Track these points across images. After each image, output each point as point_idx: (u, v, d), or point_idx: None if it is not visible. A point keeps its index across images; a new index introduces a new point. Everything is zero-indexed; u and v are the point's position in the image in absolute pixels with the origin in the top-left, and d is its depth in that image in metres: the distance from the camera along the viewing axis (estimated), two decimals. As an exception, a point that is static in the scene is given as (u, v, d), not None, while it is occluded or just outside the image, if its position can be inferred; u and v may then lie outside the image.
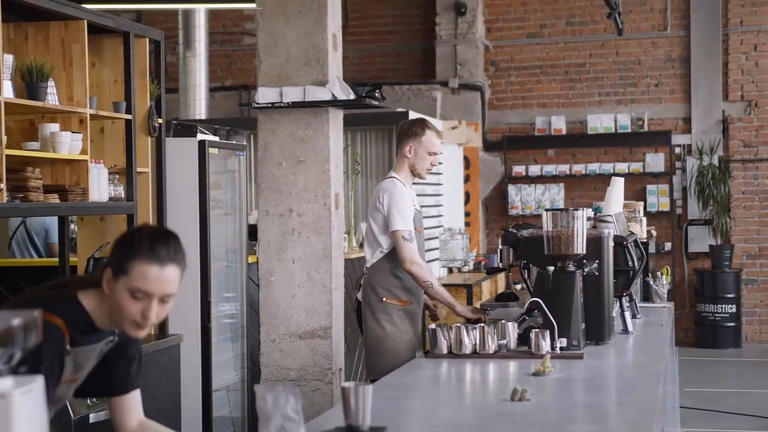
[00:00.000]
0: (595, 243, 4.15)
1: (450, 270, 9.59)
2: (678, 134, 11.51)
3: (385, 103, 5.64)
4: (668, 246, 11.36)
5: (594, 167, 11.49)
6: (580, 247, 4.00)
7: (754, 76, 11.36)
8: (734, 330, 11.07)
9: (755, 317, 11.36)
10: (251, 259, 6.37)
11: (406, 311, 4.85)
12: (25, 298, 2.65)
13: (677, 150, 11.51)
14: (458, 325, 3.94)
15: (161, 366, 5.27)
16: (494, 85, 11.92)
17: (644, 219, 6.30)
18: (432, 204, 9.37)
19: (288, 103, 4.87)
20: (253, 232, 5.63)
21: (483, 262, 9.92)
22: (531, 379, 3.43)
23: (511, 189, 11.67)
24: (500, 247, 4.66)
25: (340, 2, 5.10)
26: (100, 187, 5.06)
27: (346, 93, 4.84)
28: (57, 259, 5.53)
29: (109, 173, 5.20)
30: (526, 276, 4.43)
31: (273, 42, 4.93)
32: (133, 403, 2.74)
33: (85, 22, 5.01)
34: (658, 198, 11.40)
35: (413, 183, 4.97)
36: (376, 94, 5.03)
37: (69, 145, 4.81)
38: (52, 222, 6.46)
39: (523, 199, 11.65)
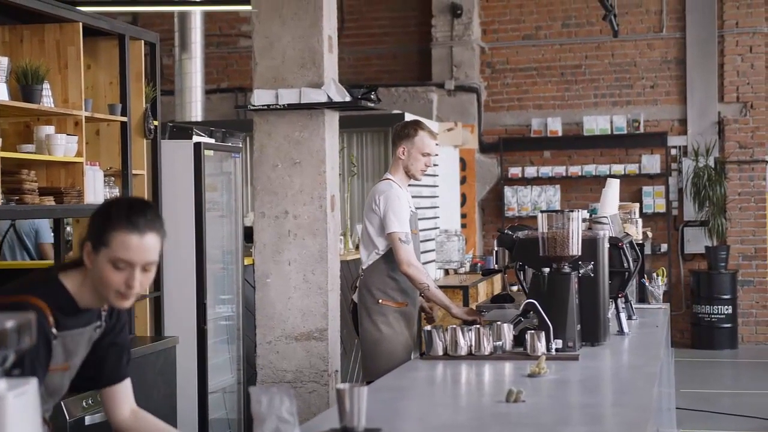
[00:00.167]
0: (590, 244, 4.15)
1: (446, 272, 9.60)
2: (674, 136, 11.52)
3: (382, 105, 5.64)
4: (664, 247, 11.37)
5: (590, 169, 11.51)
6: (575, 248, 4.00)
7: (750, 77, 11.38)
8: (730, 331, 11.08)
9: (751, 318, 11.38)
10: (247, 261, 6.37)
11: (402, 313, 4.85)
12: (6, 286, 2.64)
13: (673, 151, 11.52)
14: (454, 326, 3.94)
15: (157, 368, 5.27)
16: (490, 86, 11.93)
17: (640, 220, 6.30)
18: (428, 206, 9.38)
19: (284, 105, 4.87)
20: (249, 234, 5.63)
21: (479, 264, 9.92)
22: (526, 380, 3.43)
23: (508, 191, 11.68)
24: (496, 248, 4.66)
25: (336, 4, 5.11)
26: (96, 189, 5.05)
27: (341, 95, 4.84)
28: (52, 261, 5.53)
29: (105, 176, 5.20)
30: (522, 277, 4.43)
31: (269, 44, 4.93)
32: (125, 392, 2.76)
33: (81, 24, 5.01)
34: (654, 199, 11.41)
35: (409, 185, 4.98)
36: (372, 96, 5.03)
37: (64, 147, 4.81)
38: (42, 222, 6.46)
39: (519, 200, 11.65)
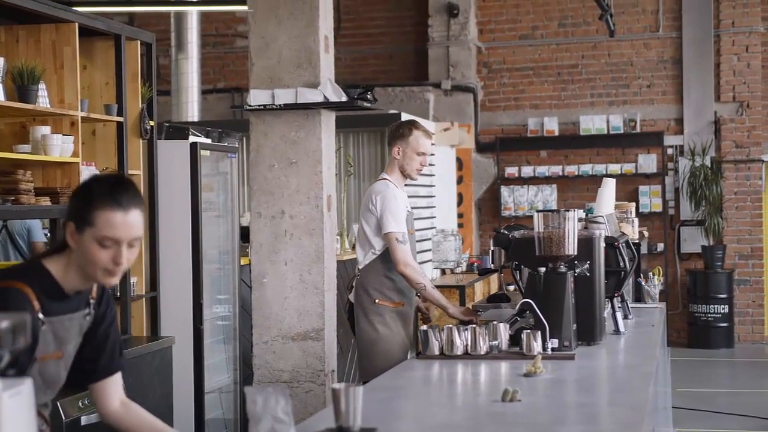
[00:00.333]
0: (586, 244, 4.15)
1: (443, 271, 9.60)
2: (670, 135, 11.53)
3: (378, 104, 5.65)
4: (661, 247, 11.38)
5: (586, 168, 11.52)
6: (571, 248, 4.01)
7: (746, 77, 11.40)
8: (726, 330, 11.09)
9: (747, 317, 11.39)
10: (243, 261, 6.37)
11: (399, 313, 4.85)
12: None
13: (669, 151, 11.53)
14: (450, 326, 3.95)
15: (153, 368, 5.27)
16: (487, 86, 11.94)
17: (636, 220, 6.32)
18: (425, 205, 9.38)
19: (280, 105, 4.87)
20: (245, 234, 5.63)
21: (476, 264, 9.93)
22: (522, 379, 3.44)
23: (504, 190, 11.68)
24: (492, 248, 4.66)
25: (332, 4, 5.11)
26: (92, 189, 5.04)
27: (338, 95, 4.84)
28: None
29: (101, 176, 5.19)
30: (518, 277, 4.43)
31: (265, 44, 4.93)
32: (117, 384, 2.76)
33: (76, 24, 5.00)
34: (650, 199, 11.42)
35: (405, 184, 4.98)
36: (368, 96, 5.03)
37: (60, 147, 4.81)
38: (33, 221, 6.45)
39: (515, 200, 11.66)
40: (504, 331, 3.93)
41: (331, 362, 4.98)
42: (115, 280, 2.52)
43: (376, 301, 4.81)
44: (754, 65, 11.40)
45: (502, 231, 4.51)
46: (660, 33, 11.59)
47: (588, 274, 4.15)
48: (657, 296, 5.85)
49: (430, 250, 9.37)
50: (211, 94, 11.91)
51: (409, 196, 5.10)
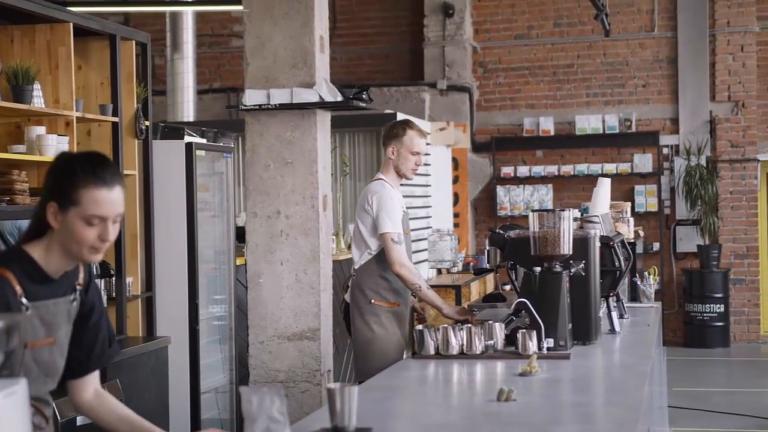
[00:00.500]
0: (581, 243, 4.16)
1: (439, 271, 9.60)
2: (666, 135, 11.55)
3: (374, 104, 5.65)
4: (656, 246, 11.39)
5: (582, 168, 11.52)
6: (566, 247, 4.01)
7: (741, 76, 11.41)
8: (722, 329, 11.10)
9: (743, 317, 11.40)
10: (239, 261, 6.37)
11: (394, 313, 4.85)
12: None
13: (665, 150, 11.54)
14: (445, 326, 3.94)
15: (149, 368, 5.26)
16: (482, 86, 11.94)
17: (631, 219, 6.32)
18: (420, 205, 9.38)
19: (275, 105, 4.87)
20: (241, 234, 5.63)
21: (471, 263, 9.92)
22: (518, 379, 3.44)
23: (500, 190, 11.69)
24: (487, 248, 4.66)
25: (328, 4, 5.11)
26: (87, 189, 5.04)
27: (333, 95, 4.84)
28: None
29: (96, 176, 5.19)
30: (514, 277, 4.43)
31: (260, 44, 4.93)
32: (95, 375, 2.75)
33: (71, 24, 5.00)
34: (646, 198, 11.43)
35: (401, 184, 4.98)
36: (364, 96, 5.03)
37: (55, 147, 4.80)
38: (24, 222, 6.45)
39: (511, 200, 11.67)
40: (499, 330, 3.93)
41: (327, 362, 4.98)
42: (100, 257, 2.51)
43: (372, 301, 4.81)
44: (749, 65, 11.41)
45: (497, 231, 4.51)
46: (655, 33, 11.60)
47: (583, 274, 4.15)
48: (652, 296, 5.85)
49: (426, 249, 9.36)
50: (206, 94, 11.91)
51: (404, 196, 5.10)
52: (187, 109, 10.35)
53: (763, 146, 11.48)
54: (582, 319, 4.13)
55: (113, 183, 2.46)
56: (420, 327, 3.96)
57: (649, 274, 5.90)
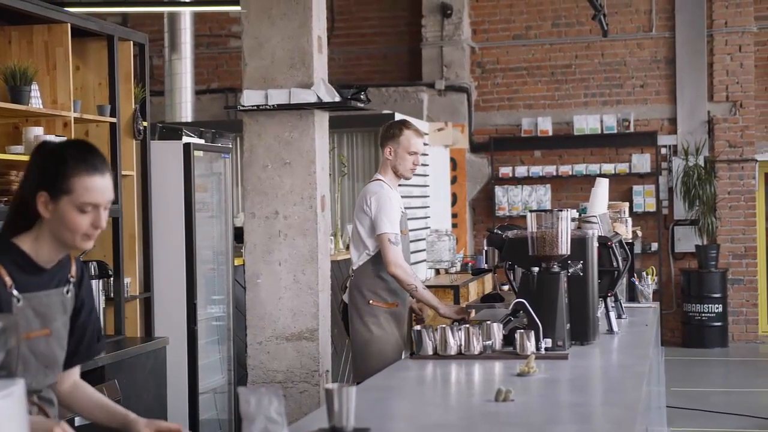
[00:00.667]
0: (579, 244, 4.16)
1: (437, 271, 9.60)
2: (664, 135, 11.55)
3: (372, 105, 5.64)
4: (655, 246, 11.40)
5: (580, 168, 11.53)
6: (564, 247, 4.01)
7: (739, 76, 11.42)
8: (721, 329, 11.11)
9: (741, 317, 11.41)
10: (237, 261, 6.37)
11: (393, 313, 4.85)
12: None
13: (663, 151, 11.55)
14: (443, 326, 3.94)
15: (147, 369, 5.26)
16: (480, 86, 11.95)
17: (629, 219, 6.32)
18: (419, 205, 9.39)
19: (273, 105, 4.87)
20: (239, 235, 5.63)
21: (470, 263, 9.93)
22: (516, 379, 3.44)
23: (498, 190, 11.69)
24: (485, 248, 4.66)
25: (326, 5, 5.11)
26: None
27: (331, 95, 4.84)
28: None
29: (94, 176, 5.19)
30: (512, 277, 4.44)
31: (258, 45, 4.93)
32: (77, 368, 2.76)
33: (69, 25, 5.00)
34: (644, 198, 11.43)
35: (399, 184, 4.98)
36: (362, 97, 5.04)
37: (53, 148, 4.80)
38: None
39: (510, 200, 11.67)
40: (497, 330, 3.93)
41: (325, 362, 4.98)
42: (92, 244, 2.52)
43: (370, 301, 4.82)
44: (747, 65, 11.42)
45: (495, 231, 4.51)
46: (653, 33, 11.61)
47: (581, 274, 4.16)
48: (651, 296, 5.85)
49: (424, 250, 9.37)
50: (204, 94, 11.90)
51: (403, 196, 5.11)
52: (185, 109, 10.35)
53: (761, 146, 11.48)
54: (580, 319, 4.13)
55: (104, 170, 2.48)
56: (418, 327, 3.96)
57: (647, 275, 5.91)
